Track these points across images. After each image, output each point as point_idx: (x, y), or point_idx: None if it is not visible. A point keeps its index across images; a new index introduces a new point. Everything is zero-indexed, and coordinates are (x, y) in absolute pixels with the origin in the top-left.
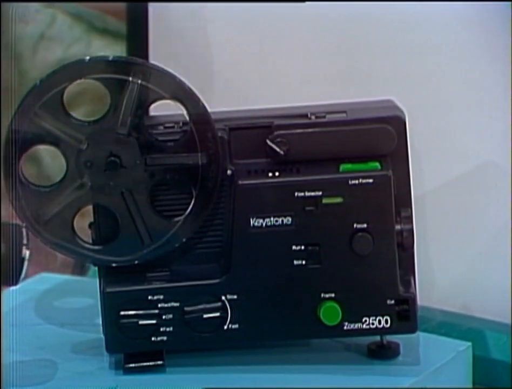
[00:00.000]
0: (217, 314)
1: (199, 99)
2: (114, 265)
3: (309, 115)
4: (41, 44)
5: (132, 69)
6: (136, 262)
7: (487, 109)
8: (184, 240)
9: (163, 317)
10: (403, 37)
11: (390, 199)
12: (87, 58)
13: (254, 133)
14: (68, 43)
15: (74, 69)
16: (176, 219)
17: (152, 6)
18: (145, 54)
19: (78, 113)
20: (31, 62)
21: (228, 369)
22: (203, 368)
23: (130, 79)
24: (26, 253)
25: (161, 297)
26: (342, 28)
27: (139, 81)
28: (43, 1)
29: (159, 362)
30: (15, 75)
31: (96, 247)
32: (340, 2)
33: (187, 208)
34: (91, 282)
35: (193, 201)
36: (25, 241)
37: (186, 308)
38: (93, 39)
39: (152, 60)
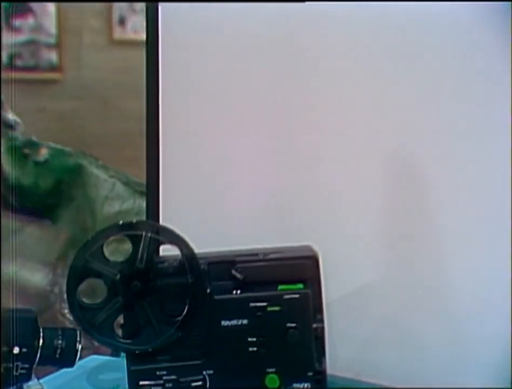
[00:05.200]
0: (200, 383)
1: (187, 243)
2: (137, 352)
3: (259, 254)
4: (106, 202)
5: (144, 228)
6: (150, 349)
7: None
8: (182, 332)
9: (166, 385)
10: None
11: (309, 308)
12: (117, 223)
13: (224, 265)
14: (122, 201)
15: (110, 231)
16: (177, 318)
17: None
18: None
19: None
20: (101, 214)
21: None
22: None
23: (143, 234)
24: (79, 346)
25: (165, 372)
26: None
27: (149, 235)
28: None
29: None
30: None
31: (127, 341)
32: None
33: (184, 311)
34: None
35: (187, 307)
36: (78, 339)
37: (180, 379)
38: (137, 198)
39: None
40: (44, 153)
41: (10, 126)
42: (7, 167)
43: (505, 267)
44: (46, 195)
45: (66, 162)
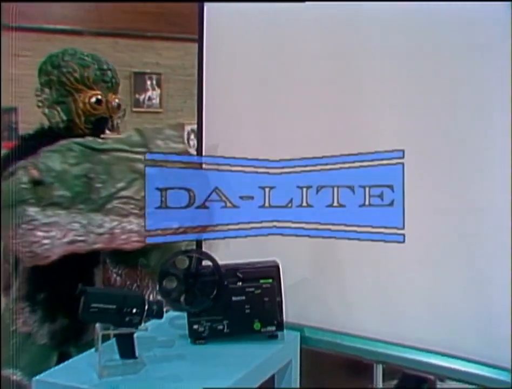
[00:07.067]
0: (222, 327)
1: (215, 259)
2: (191, 311)
3: (250, 264)
4: None
5: (194, 252)
6: (198, 310)
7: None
8: (213, 303)
9: (205, 328)
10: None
11: (275, 291)
12: (181, 249)
13: (233, 270)
14: None
15: (178, 253)
16: (211, 296)
17: None
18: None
19: None
20: None
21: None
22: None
23: (194, 255)
24: (164, 309)
25: (204, 322)
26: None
27: (196, 255)
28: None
29: (202, 341)
30: None
31: (187, 307)
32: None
33: (213, 293)
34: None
35: (215, 291)
36: (164, 305)
37: (212, 325)
38: None
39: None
40: None
41: None
42: None
43: None
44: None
45: None
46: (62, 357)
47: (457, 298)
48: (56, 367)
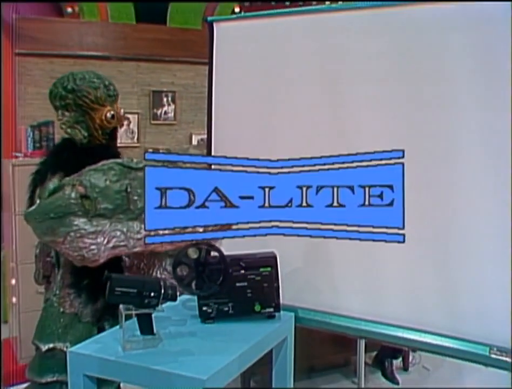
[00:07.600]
0: (227, 308)
1: (222, 250)
2: (201, 295)
3: (250, 255)
4: None
5: (203, 244)
6: (207, 294)
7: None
8: (219, 288)
9: (213, 309)
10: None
11: (273, 278)
12: (192, 243)
13: (237, 260)
14: None
15: (190, 245)
16: (217, 282)
17: None
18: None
19: None
20: None
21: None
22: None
23: (203, 247)
24: (178, 293)
25: (212, 304)
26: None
27: (206, 247)
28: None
29: (211, 320)
30: None
31: (197, 291)
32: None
33: (220, 279)
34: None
35: (221, 277)
36: (177, 290)
37: (219, 307)
38: None
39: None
40: None
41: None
42: None
43: None
44: None
45: None
46: (101, 332)
47: (427, 283)
48: (87, 341)
